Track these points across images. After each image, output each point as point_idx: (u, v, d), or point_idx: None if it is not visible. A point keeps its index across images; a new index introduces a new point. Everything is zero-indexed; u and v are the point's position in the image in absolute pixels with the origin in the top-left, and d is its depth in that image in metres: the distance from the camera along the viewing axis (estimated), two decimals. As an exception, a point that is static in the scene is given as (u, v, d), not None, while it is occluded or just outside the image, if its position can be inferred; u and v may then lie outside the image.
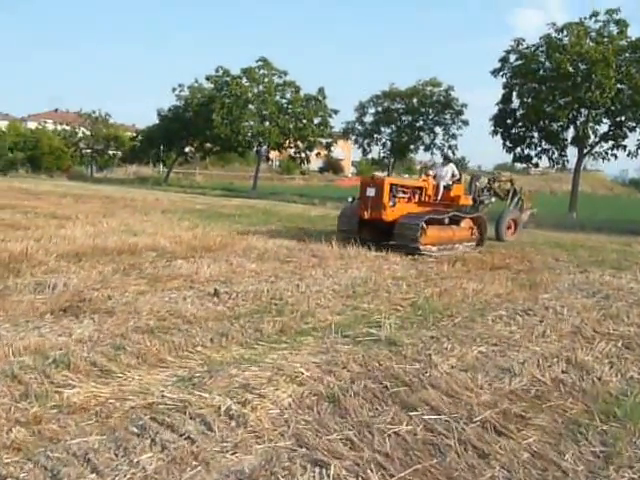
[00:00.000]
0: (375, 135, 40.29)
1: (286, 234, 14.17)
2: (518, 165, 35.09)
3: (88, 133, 59.22)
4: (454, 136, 38.98)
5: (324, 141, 41.90)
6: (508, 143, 30.06)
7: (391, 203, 12.62)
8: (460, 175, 14.92)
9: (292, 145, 41.56)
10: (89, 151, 59.91)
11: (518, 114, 29.34)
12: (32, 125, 65.30)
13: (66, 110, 58.74)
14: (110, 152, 61.40)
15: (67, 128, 60.40)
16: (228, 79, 38.92)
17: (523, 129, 29.74)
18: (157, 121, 48.69)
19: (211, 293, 7.60)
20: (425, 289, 8.39)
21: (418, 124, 39.58)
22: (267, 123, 39.57)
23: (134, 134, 55.39)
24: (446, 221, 13.11)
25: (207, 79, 40.67)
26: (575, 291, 8.97)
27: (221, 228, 14.64)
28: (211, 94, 40.74)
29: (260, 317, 6.48)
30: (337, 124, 42.71)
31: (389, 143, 40.32)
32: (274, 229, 15.40)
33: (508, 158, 34.00)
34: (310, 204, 27.60)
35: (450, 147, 38.74)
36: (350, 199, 13.74)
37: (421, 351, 5.47)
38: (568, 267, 11.41)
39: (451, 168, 14.67)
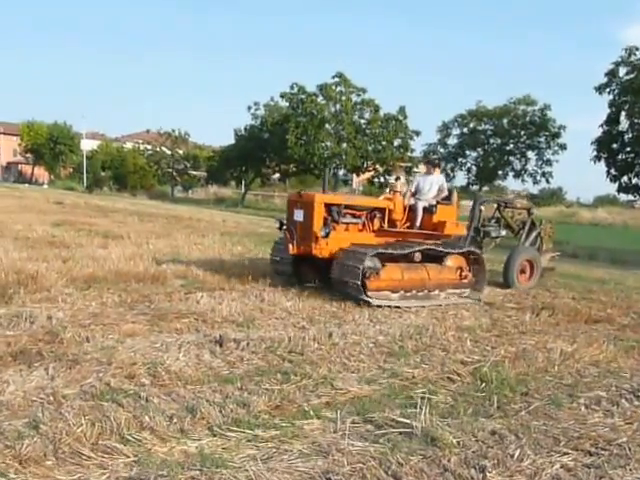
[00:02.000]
0: (459, 159, 38.12)
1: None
2: (623, 196, 31.83)
3: (169, 152, 60.22)
4: (549, 162, 36.34)
5: (404, 165, 40.08)
6: (613, 171, 27.02)
7: (323, 232, 8.92)
8: (450, 193, 10.65)
9: (371, 168, 39.97)
10: (170, 170, 60.85)
11: (627, 137, 26.27)
12: (129, 145, 67.27)
13: (157, 130, 60.12)
14: (192, 172, 62.24)
15: (149, 147, 61.64)
16: (303, 97, 37.94)
17: (632, 155, 26.54)
18: (234, 141, 48.56)
19: (216, 340, 6.10)
20: (496, 348, 6.52)
21: (508, 147, 37.12)
22: (344, 144, 38.21)
23: (211, 154, 55.66)
24: (417, 257, 9.38)
25: (282, 97, 39.87)
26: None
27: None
28: (286, 113, 39.94)
29: (259, 381, 4.90)
30: (417, 146, 40.79)
31: (474, 168, 38.01)
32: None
33: (612, 188, 30.92)
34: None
35: (544, 174, 36.03)
36: (277, 224, 10.00)
37: (471, 460, 3.68)
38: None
39: (438, 180, 10.65)
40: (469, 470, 3.54)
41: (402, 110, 38.42)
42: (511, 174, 37.09)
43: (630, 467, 3.75)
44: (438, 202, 10.12)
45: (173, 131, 58.67)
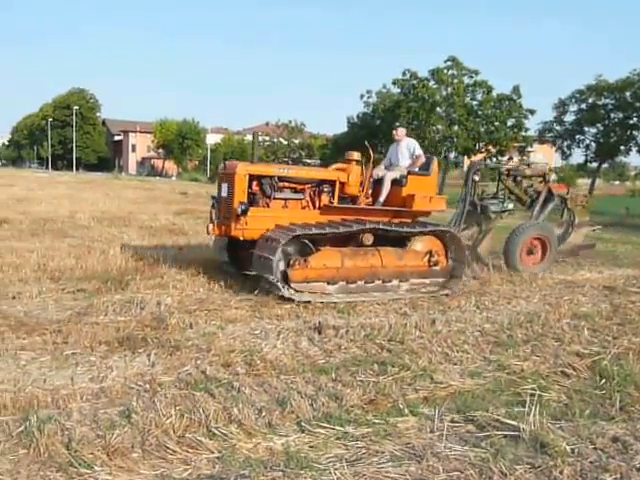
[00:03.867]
0: (577, 136, 35.61)
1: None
2: None
3: (285, 143, 61.04)
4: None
5: (517, 145, 38.05)
6: None
7: (240, 210, 7.11)
8: (429, 160, 8.49)
9: (482, 150, 38.33)
10: (286, 160, 61.74)
11: None
12: (249, 137, 69.17)
13: (275, 122, 61.30)
14: (306, 160, 62.83)
15: (267, 138, 62.75)
16: (415, 82, 36.91)
17: None
18: (346, 129, 48.31)
19: (315, 327, 5.82)
20: (618, 338, 5.78)
21: (631, 121, 34.12)
22: (455, 127, 36.84)
23: (325, 142, 55.79)
24: (367, 240, 7.45)
25: (394, 83, 38.96)
26: None
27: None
28: (398, 99, 39.07)
29: (355, 372, 4.55)
30: (532, 125, 38.53)
31: (593, 145, 35.38)
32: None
33: None
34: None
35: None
36: (212, 201, 8.25)
37: (588, 472, 3.13)
38: None
39: (408, 146, 8.55)
40: (585, 484, 3.01)
41: (516, 89, 36.34)
42: (634, 149, 34.14)
43: None
44: (410, 172, 8.15)
45: (290, 122, 59.40)
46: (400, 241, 7.75)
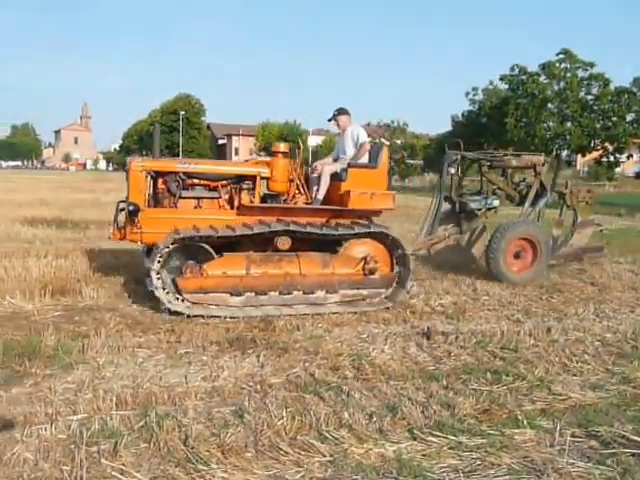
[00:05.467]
0: None
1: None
2: None
3: (387, 143, 60.93)
4: None
5: (638, 141, 35.85)
6: None
7: (129, 210, 6.40)
8: (378, 150, 7.28)
9: (598, 147, 36.42)
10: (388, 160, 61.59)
11: None
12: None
13: (377, 122, 61.44)
14: (409, 161, 62.33)
15: (369, 139, 62.87)
16: (524, 77, 35.66)
17: None
18: (450, 128, 47.54)
19: (423, 332, 5.76)
20: None
21: None
22: (568, 123, 35.25)
23: (428, 142, 55.15)
24: (282, 244, 6.42)
25: (501, 79, 37.87)
26: None
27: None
28: (505, 95, 37.94)
29: (467, 380, 4.47)
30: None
31: None
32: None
33: None
34: (614, 214, 23.25)
35: None
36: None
37: None
38: None
39: (352, 135, 7.31)
40: None
41: (637, 81, 34.11)
42: None
43: None
44: (350, 165, 7.00)
45: (392, 122, 59.27)
46: (331, 246, 6.71)
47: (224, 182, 6.86)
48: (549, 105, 35.44)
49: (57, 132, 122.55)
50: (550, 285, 8.21)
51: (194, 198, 6.82)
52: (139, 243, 6.64)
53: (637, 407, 4.05)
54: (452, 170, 8.84)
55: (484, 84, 44.07)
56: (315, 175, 7.15)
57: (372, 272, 6.58)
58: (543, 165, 9.06)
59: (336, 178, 7.00)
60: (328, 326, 5.92)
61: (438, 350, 5.25)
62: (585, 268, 9.47)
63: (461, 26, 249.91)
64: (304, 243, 6.58)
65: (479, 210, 8.91)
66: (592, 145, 36.13)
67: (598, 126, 34.90)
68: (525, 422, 3.73)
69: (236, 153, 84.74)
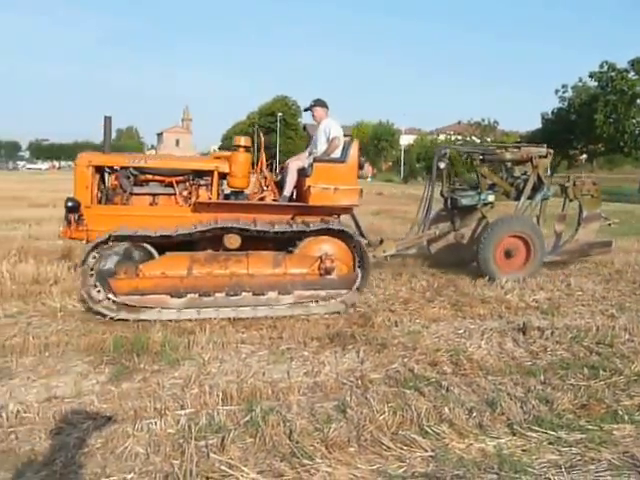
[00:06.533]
0: None
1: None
2: None
3: (478, 141, 59.19)
4: None
5: None
6: None
7: (67, 207, 5.85)
8: (349, 144, 6.53)
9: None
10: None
11: None
12: (442, 137, 68.23)
13: (467, 121, 59.74)
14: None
15: (459, 138, 61.31)
16: (613, 74, 33.59)
17: None
18: (540, 125, 45.56)
19: (519, 327, 5.54)
20: None
21: None
22: (658, 118, 32.90)
23: (518, 139, 53.06)
24: (230, 243, 5.85)
25: (590, 76, 35.87)
26: None
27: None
28: (594, 92, 35.88)
29: (564, 376, 4.24)
30: None
31: None
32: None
33: None
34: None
35: None
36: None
37: None
38: None
39: (325, 129, 6.68)
40: None
41: None
42: None
43: None
44: (316, 159, 6.38)
45: (482, 120, 57.47)
46: (287, 243, 6.13)
47: (180, 178, 6.27)
48: (638, 101, 33.16)
49: (159, 134, 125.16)
50: (641, 281, 7.68)
51: (149, 195, 6.23)
52: (84, 242, 5.97)
53: None
54: (442, 165, 8.12)
55: (574, 81, 41.99)
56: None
57: (328, 272, 5.93)
58: (546, 157, 8.18)
59: (303, 174, 6.39)
60: (425, 322, 5.80)
61: (534, 345, 5.03)
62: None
63: (551, 23, 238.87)
64: (262, 242, 6.04)
65: (474, 206, 8.21)
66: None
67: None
68: (625, 417, 3.50)
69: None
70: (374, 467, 3.03)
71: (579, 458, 3.07)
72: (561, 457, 3.09)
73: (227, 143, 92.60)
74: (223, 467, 2.97)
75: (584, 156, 44.59)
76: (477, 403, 3.80)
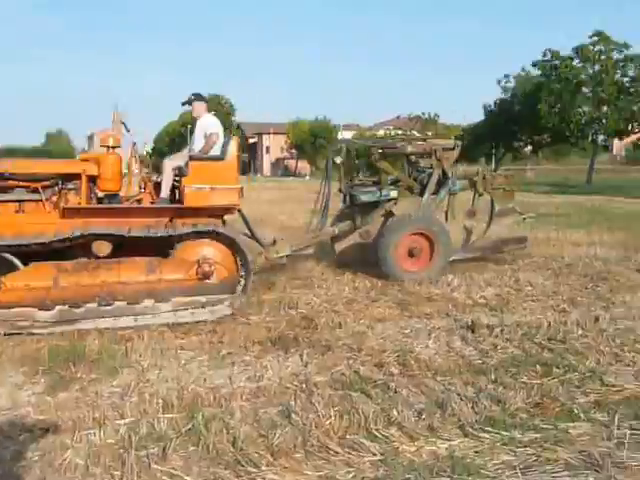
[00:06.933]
0: None
1: (607, 241, 11.09)
2: None
3: (418, 135, 60.38)
4: None
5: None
6: None
7: None
8: (227, 141, 6.48)
9: (637, 130, 35.53)
10: (420, 152, 61.04)
11: None
12: (381, 132, 69.09)
13: (407, 115, 60.85)
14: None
15: (399, 132, 62.35)
16: (557, 62, 34.99)
17: None
18: (483, 117, 46.94)
19: (467, 325, 5.67)
20: None
21: None
22: (604, 107, 34.46)
23: (460, 133, 54.50)
24: (99, 250, 5.74)
25: (533, 65, 37.29)
26: None
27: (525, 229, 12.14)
28: (538, 82, 37.25)
29: (516, 374, 4.37)
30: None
31: None
32: (593, 232, 12.25)
33: None
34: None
35: None
36: None
37: None
38: None
39: (204, 125, 6.79)
40: None
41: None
42: None
43: None
44: (192, 157, 6.36)
45: (423, 114, 58.63)
46: (162, 248, 6.01)
47: (46, 183, 5.98)
48: (583, 89, 34.71)
49: (90, 137, 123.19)
50: (594, 273, 8.01)
51: (14, 201, 5.94)
52: None
53: (696, 397, 3.91)
54: (338, 160, 8.04)
55: (517, 71, 43.46)
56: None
57: (207, 276, 5.92)
58: (453, 149, 8.24)
59: (181, 173, 6.33)
60: (370, 322, 5.85)
61: (484, 343, 5.15)
62: (630, 255, 9.27)
63: (490, 15, 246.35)
64: (138, 248, 5.91)
65: (372, 202, 8.19)
66: (630, 128, 35.29)
67: (635, 108, 34.08)
68: (581, 415, 3.63)
69: (267, 151, 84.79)
70: (322, 473, 3.05)
71: (534, 458, 3.15)
72: (516, 458, 3.16)
73: (161, 144, 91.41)
74: (165, 477, 3.02)
75: (529, 147, 46.19)
76: (426, 404, 3.86)
